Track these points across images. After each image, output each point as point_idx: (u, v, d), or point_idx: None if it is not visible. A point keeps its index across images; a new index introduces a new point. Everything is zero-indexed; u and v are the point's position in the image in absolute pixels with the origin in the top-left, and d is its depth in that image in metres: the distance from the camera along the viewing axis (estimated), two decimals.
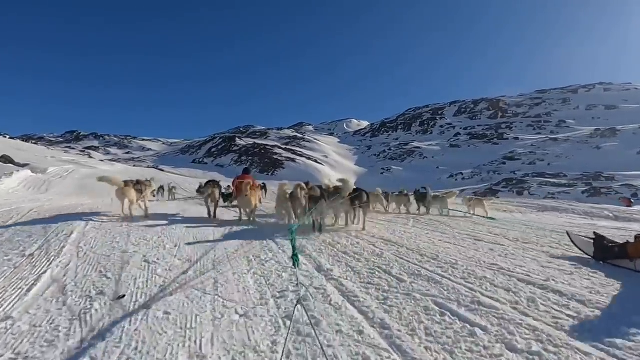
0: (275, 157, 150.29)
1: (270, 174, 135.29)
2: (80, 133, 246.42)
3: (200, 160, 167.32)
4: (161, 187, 18.25)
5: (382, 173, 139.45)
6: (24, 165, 25.03)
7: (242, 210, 8.55)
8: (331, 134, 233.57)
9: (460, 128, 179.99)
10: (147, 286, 3.87)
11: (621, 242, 5.04)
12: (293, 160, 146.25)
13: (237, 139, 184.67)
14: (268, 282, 4.12)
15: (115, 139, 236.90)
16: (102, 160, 77.07)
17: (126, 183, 7.38)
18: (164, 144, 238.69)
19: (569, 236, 6.12)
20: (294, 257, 3.97)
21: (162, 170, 79.41)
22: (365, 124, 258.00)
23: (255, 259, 5.08)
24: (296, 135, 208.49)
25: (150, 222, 7.45)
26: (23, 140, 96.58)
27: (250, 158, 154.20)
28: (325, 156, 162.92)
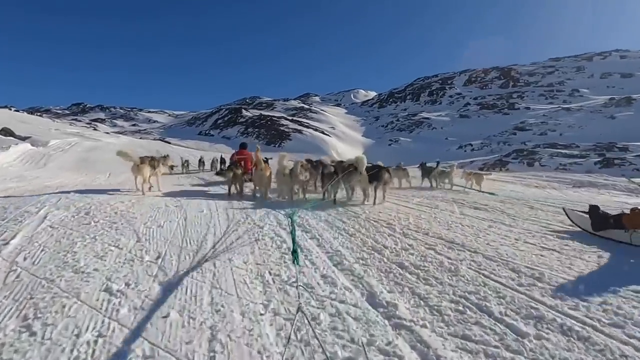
0: (281, 128, 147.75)
1: (277, 145, 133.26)
2: (86, 105, 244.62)
3: (207, 132, 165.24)
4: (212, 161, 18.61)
5: (390, 144, 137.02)
6: (25, 138, 23.86)
7: (256, 187, 8.32)
8: (338, 105, 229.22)
9: (470, 98, 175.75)
10: (92, 355, 2.22)
11: (616, 213, 5.09)
12: (300, 131, 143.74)
13: (243, 110, 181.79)
14: (299, 336, 2.46)
15: (122, 110, 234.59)
16: (107, 133, 75.29)
17: (142, 159, 7.27)
18: (170, 115, 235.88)
19: (565, 212, 5.98)
20: (294, 254, 3.17)
21: (169, 143, 77.70)
22: (372, 94, 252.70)
23: (273, 279, 3.39)
24: (303, 106, 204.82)
25: (131, 214, 5.78)
26: (29, 113, 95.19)
27: (256, 130, 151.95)
28: (332, 127, 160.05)
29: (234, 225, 5.52)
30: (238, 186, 8.35)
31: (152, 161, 7.73)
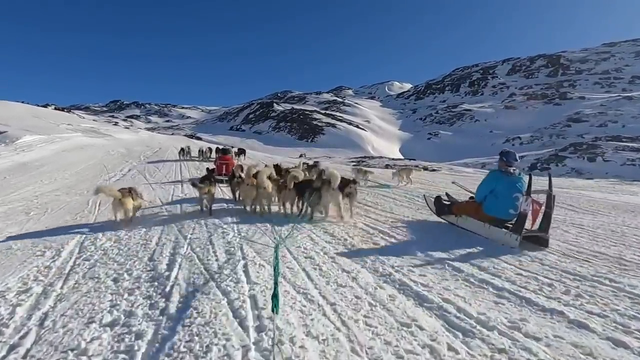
0: (314, 122, 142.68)
1: (309, 140, 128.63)
2: (122, 102, 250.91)
3: (238, 127, 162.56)
4: (182, 150, 20.12)
5: (429, 138, 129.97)
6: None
7: (245, 201, 7.42)
8: (372, 98, 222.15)
9: (516, 88, 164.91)
10: None
11: (451, 202, 6.56)
12: (333, 125, 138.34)
13: (274, 104, 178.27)
14: None
15: (156, 107, 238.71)
16: (127, 128, 72.70)
17: (122, 193, 6.49)
18: (202, 111, 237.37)
19: (425, 199, 7.44)
20: (274, 299, 2.61)
21: (200, 139, 74.51)
22: (408, 86, 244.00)
23: None
24: (336, 100, 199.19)
25: None
26: (67, 111, 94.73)
27: (288, 124, 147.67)
28: (367, 121, 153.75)
29: None
30: (208, 203, 7.39)
31: (131, 193, 6.82)
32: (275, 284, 2.83)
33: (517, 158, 5.53)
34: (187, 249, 4.54)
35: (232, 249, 4.51)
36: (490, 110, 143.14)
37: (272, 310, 2.51)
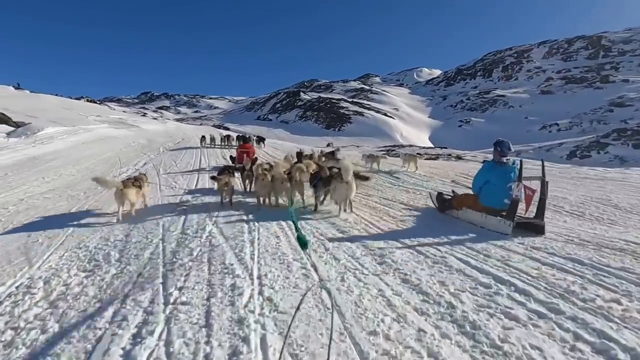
0: (341, 111, 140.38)
1: (337, 129, 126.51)
2: (153, 94, 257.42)
3: (265, 116, 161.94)
4: (204, 137, 20.95)
5: (460, 126, 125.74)
6: (20, 125, 19.20)
7: (259, 197, 7.21)
8: (400, 85, 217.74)
9: (553, 72, 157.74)
10: None
11: (452, 196, 6.41)
12: (361, 114, 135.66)
13: (301, 93, 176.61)
14: None
15: (185, 98, 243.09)
16: (155, 119, 72.36)
17: (125, 183, 6.37)
18: (230, 101, 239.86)
19: (430, 196, 7.16)
20: (299, 240, 2.57)
21: (227, 129, 73.80)
22: (437, 72, 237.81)
23: None
24: (363, 87, 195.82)
25: None
26: (100, 103, 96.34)
27: (315, 113, 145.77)
28: (395, 109, 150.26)
29: None
30: (227, 195, 7.35)
31: (136, 181, 6.66)
32: (296, 228, 2.69)
33: (511, 147, 5.53)
34: (160, 338, 2.43)
35: (246, 342, 2.37)
36: (525, 96, 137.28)
37: (302, 247, 2.50)
